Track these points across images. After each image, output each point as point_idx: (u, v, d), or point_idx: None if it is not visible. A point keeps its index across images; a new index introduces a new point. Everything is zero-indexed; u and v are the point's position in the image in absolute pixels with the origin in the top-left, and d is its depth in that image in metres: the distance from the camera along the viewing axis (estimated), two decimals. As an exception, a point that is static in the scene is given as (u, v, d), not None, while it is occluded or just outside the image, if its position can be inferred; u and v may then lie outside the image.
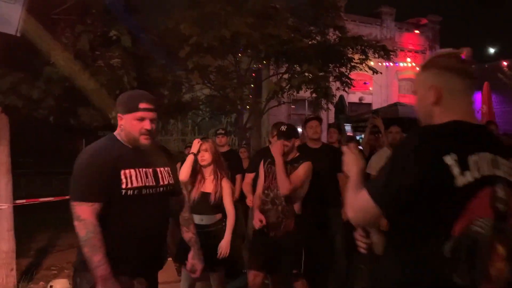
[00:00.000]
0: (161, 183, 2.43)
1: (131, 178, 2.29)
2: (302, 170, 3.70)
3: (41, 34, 3.84)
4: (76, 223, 2.17)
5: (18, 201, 5.00)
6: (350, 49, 10.54)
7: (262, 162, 3.86)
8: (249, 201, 4.84)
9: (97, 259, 2.13)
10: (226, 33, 8.72)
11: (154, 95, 5.74)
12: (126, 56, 4.41)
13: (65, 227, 7.15)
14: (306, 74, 9.69)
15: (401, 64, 19.20)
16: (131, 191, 2.28)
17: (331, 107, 11.64)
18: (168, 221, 2.62)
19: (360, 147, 6.98)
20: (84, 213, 2.17)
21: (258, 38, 9.27)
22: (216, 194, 3.71)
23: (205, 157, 3.76)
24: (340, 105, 14.18)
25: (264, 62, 10.80)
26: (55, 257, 6.48)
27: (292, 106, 16.79)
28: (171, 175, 2.52)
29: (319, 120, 4.62)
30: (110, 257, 2.18)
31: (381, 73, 12.27)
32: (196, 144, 3.83)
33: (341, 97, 13.74)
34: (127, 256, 2.30)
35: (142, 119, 2.28)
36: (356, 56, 10.85)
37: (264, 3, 9.65)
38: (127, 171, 2.28)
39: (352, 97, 17.68)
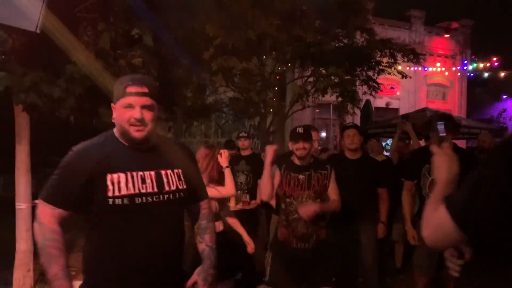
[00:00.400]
0: (167, 189, 1.97)
1: (120, 184, 1.85)
2: (334, 179, 3.54)
3: (62, 32, 3.76)
4: (34, 224, 1.88)
5: (36, 201, 4.94)
6: (379, 52, 10.26)
7: (278, 168, 3.60)
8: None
9: (52, 271, 1.79)
10: (252, 34, 8.58)
11: (177, 96, 5.67)
12: (148, 55, 4.32)
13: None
14: (332, 77, 9.46)
15: (430, 69, 18.72)
16: (120, 199, 1.84)
17: (357, 111, 11.39)
18: (182, 236, 2.12)
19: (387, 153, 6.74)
20: (44, 216, 1.85)
21: (284, 40, 9.11)
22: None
23: None
24: (367, 110, 13.95)
25: (289, 64, 10.61)
26: (75, 258, 6.41)
27: (317, 110, 16.57)
28: (183, 179, 2.05)
29: (357, 128, 4.33)
30: (98, 283, 1.88)
31: (410, 77, 11.92)
32: (227, 156, 3.71)
33: (368, 101, 13.48)
34: (121, 281, 1.88)
35: (130, 106, 1.86)
36: (385, 60, 10.55)
37: (291, 5, 9.48)
38: (115, 175, 1.86)
39: (379, 102, 17.32)
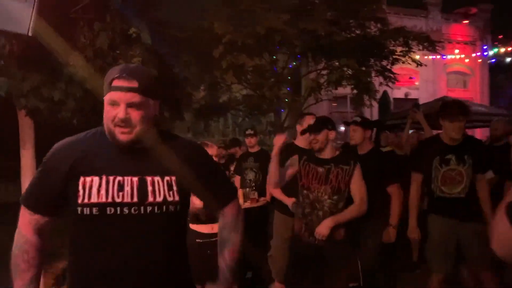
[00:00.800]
0: (151, 200, 1.60)
1: (91, 189, 1.55)
2: (360, 177, 3.27)
3: (58, 34, 3.73)
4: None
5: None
6: (392, 42, 10.02)
7: (297, 158, 3.42)
8: (288, 201, 4.34)
9: (17, 284, 1.59)
10: (260, 30, 8.50)
11: (181, 95, 5.61)
12: (147, 54, 4.25)
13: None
14: (345, 69, 9.29)
15: (449, 57, 18.25)
16: (88, 208, 1.54)
17: (375, 103, 11.18)
18: (173, 258, 1.70)
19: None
20: (22, 221, 1.64)
21: (293, 34, 8.99)
22: None
23: None
24: (384, 101, 13.70)
25: (301, 58, 10.47)
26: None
27: (333, 104, 16.36)
28: (176, 188, 1.65)
29: (358, 123, 3.99)
30: None
31: (425, 65, 11.59)
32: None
33: (385, 92, 13.24)
34: None
35: (115, 103, 1.56)
36: (399, 49, 10.30)
37: (301, -2, 9.35)
38: (88, 178, 1.56)
39: (397, 93, 17.02)
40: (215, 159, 3.48)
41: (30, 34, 3.38)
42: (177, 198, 1.65)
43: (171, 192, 1.64)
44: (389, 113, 12.94)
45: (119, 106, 1.56)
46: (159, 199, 1.61)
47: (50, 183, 1.62)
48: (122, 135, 1.58)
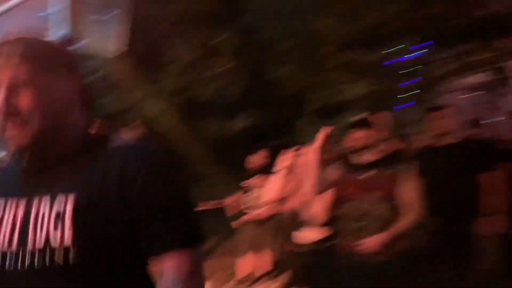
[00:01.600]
0: (30, 245, 0.94)
1: None
2: (411, 181, 2.79)
3: (147, 52, 3.99)
4: None
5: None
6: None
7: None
8: None
9: None
10: (372, 21, 8.05)
11: (276, 97, 5.54)
12: (235, 61, 4.32)
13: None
14: (473, 54, 8.34)
15: None
16: None
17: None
18: None
19: None
20: None
21: (412, 21, 8.34)
22: None
23: None
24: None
25: (424, 46, 9.65)
26: None
27: (469, 93, 14.77)
28: (68, 215, 0.92)
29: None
30: None
31: None
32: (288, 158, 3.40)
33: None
34: None
35: None
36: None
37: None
38: None
39: (551, 74, 14.67)
40: None
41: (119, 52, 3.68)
42: (70, 238, 0.92)
43: (62, 233, 0.92)
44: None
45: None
46: (40, 242, 0.93)
47: None
48: (13, 133, 0.98)
